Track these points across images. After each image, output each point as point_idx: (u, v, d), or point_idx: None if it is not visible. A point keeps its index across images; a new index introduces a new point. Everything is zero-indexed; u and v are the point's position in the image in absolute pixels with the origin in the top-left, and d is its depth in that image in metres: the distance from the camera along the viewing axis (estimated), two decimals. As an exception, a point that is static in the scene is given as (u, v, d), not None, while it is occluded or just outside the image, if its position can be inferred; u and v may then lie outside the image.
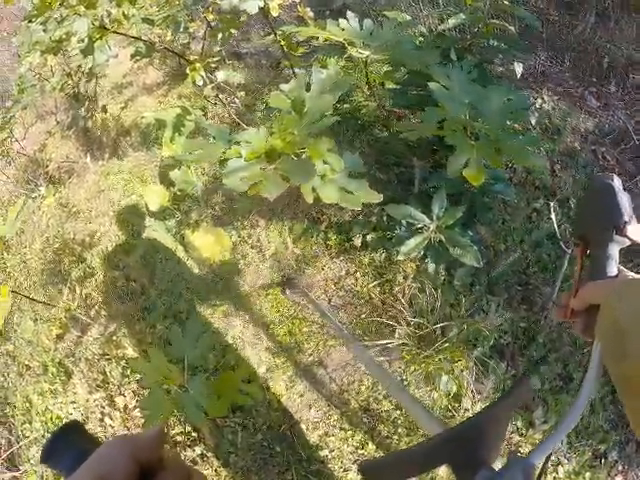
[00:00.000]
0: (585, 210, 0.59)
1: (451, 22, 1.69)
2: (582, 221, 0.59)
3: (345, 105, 2.21)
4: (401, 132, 1.26)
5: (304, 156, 1.15)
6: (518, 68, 1.94)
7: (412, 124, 1.32)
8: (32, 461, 1.58)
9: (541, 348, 1.63)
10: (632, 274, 0.52)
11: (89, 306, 1.78)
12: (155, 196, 1.93)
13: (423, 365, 1.52)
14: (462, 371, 1.55)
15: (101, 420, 1.49)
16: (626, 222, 0.52)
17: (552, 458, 1.44)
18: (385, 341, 1.51)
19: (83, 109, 2.15)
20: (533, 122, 2.03)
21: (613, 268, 0.52)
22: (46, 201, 2.03)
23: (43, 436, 1.61)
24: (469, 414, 1.46)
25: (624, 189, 0.54)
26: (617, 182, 0.55)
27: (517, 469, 0.44)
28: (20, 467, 1.59)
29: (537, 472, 0.49)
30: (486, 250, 1.83)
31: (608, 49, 2.42)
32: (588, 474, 1.44)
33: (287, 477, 1.41)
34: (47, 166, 2.23)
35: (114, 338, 1.67)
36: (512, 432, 1.49)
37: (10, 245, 2.07)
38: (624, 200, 0.53)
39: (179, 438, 1.45)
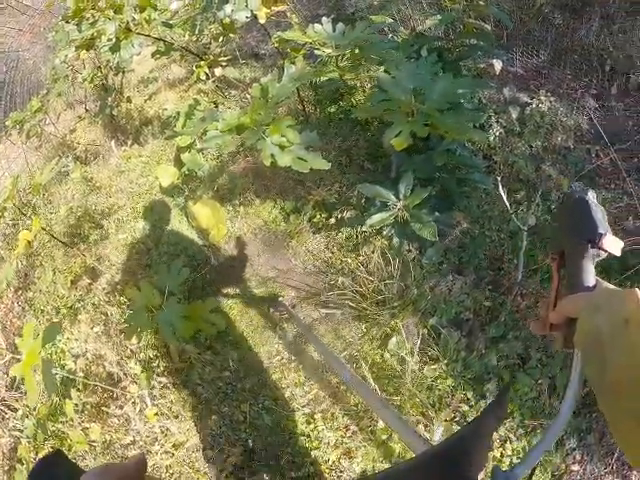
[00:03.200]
0: (561, 224, 0.65)
1: (428, 23, 2.14)
2: (558, 235, 0.66)
3: (342, 103, 2.68)
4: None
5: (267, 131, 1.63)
6: (497, 65, 2.34)
7: (365, 107, 1.76)
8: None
9: (502, 327, 1.89)
10: (609, 285, 0.58)
11: (101, 261, 2.34)
12: (167, 175, 2.48)
13: (376, 326, 1.90)
14: (414, 336, 1.90)
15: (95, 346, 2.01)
16: (601, 235, 0.57)
17: (506, 444, 1.65)
18: (331, 293, 1.93)
19: (110, 99, 2.78)
20: (514, 116, 2.38)
21: (590, 280, 0.58)
22: (73, 174, 2.67)
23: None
24: (414, 375, 1.80)
25: (599, 201, 0.62)
26: (591, 196, 0.61)
27: None
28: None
29: None
30: (462, 235, 2.18)
31: (610, 52, 2.73)
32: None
33: (243, 409, 1.84)
34: (75, 148, 2.89)
35: (118, 287, 2.21)
36: (461, 401, 1.78)
37: (38, 213, 2.70)
38: (599, 213, 0.59)
39: (158, 370, 1.93)
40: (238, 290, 2.21)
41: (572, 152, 2.45)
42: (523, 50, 2.82)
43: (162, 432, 1.80)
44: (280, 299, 2.10)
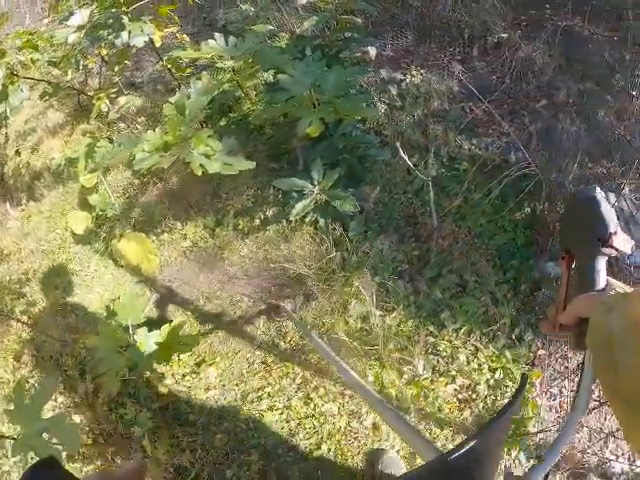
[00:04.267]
0: (570, 224, 0.66)
1: (306, 24, 2.40)
2: (567, 234, 0.66)
3: (233, 114, 2.89)
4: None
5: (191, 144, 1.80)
6: (372, 51, 2.70)
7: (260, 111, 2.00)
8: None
9: (435, 267, 2.22)
10: (620, 285, 0.59)
11: (38, 329, 2.27)
12: (79, 221, 2.47)
13: (334, 297, 2.14)
14: (367, 295, 2.16)
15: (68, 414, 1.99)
16: (612, 233, 0.58)
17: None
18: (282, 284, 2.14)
19: (-5, 161, 2.68)
20: (394, 93, 2.78)
21: (601, 280, 0.59)
22: (-24, 247, 2.54)
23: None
24: (379, 329, 2.05)
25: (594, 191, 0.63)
26: (600, 193, 0.61)
27: None
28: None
29: None
30: (375, 205, 2.50)
31: (467, 21, 3.26)
32: (508, 352, 1.97)
33: (240, 417, 1.96)
34: (-32, 220, 2.73)
35: (67, 349, 2.17)
36: (427, 335, 2.06)
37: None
38: (608, 211, 0.59)
39: (145, 414, 1.97)
40: (189, 312, 2.29)
41: (450, 112, 2.87)
42: (392, 35, 3.24)
43: (176, 470, 1.85)
44: (282, 304, 2.22)
